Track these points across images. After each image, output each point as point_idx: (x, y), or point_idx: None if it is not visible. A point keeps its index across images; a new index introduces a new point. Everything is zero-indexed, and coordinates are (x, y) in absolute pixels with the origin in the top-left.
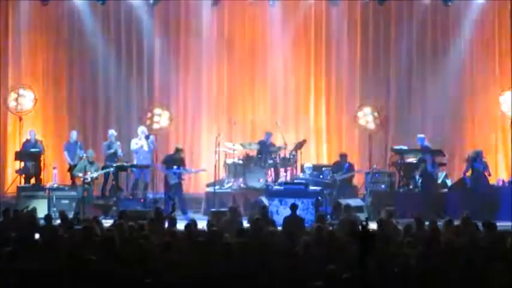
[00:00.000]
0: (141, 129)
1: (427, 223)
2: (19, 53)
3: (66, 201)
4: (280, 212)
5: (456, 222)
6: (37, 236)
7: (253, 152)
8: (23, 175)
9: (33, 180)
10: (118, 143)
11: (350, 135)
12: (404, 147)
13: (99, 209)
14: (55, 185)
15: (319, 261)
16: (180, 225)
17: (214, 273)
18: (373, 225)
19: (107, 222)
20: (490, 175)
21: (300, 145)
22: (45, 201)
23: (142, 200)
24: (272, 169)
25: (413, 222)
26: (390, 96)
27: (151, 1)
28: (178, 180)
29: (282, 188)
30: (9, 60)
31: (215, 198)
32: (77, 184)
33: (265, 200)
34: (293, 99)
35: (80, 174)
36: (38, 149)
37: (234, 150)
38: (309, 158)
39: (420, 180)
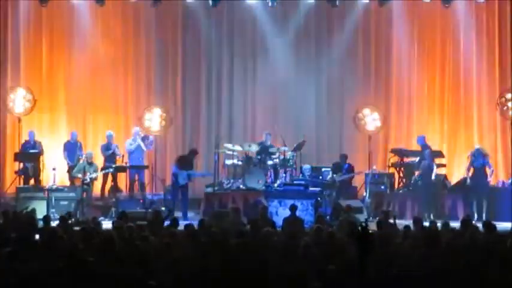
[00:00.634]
0: (136, 130)
1: (426, 224)
2: (18, 53)
3: (65, 202)
4: (279, 213)
5: (456, 223)
6: (37, 236)
7: (253, 153)
8: (22, 176)
9: (32, 181)
10: (116, 143)
11: (349, 136)
12: (404, 148)
13: (98, 210)
14: (54, 186)
15: (318, 262)
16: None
17: (214, 274)
18: (373, 226)
19: (106, 223)
20: (492, 171)
21: (299, 146)
22: (44, 202)
23: (141, 201)
24: (271, 170)
25: (412, 223)
26: (390, 97)
27: (150, 1)
28: (187, 181)
29: (281, 189)
30: (8, 60)
31: (215, 199)
32: (76, 185)
33: (264, 201)
34: (293, 100)
35: (79, 175)
36: (37, 150)
37: (233, 151)
38: (308, 159)
39: (420, 181)
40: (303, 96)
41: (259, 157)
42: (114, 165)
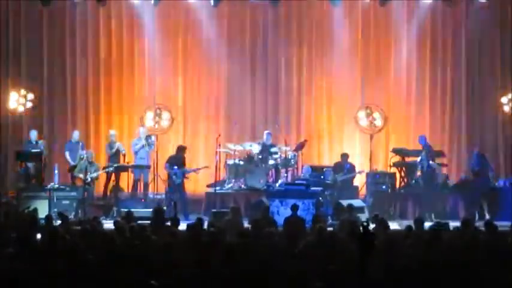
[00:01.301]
0: (142, 130)
1: (427, 224)
2: (20, 53)
3: (67, 202)
4: (281, 212)
5: (457, 223)
6: (38, 236)
7: (254, 153)
8: (24, 175)
9: (34, 181)
10: (119, 142)
11: (351, 136)
12: (405, 148)
13: (100, 210)
14: (56, 186)
15: (320, 261)
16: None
17: (216, 274)
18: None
19: (108, 223)
20: (493, 174)
21: (301, 145)
22: (46, 201)
23: (143, 200)
24: (273, 170)
25: (414, 223)
26: (391, 96)
27: (152, 1)
28: (181, 179)
29: (282, 188)
30: (10, 60)
31: (216, 198)
32: (78, 184)
33: (265, 201)
34: (294, 100)
35: (81, 175)
36: (38, 150)
37: (234, 151)
38: (309, 159)
39: (421, 181)
40: (304, 95)
41: (260, 157)
42: (115, 165)
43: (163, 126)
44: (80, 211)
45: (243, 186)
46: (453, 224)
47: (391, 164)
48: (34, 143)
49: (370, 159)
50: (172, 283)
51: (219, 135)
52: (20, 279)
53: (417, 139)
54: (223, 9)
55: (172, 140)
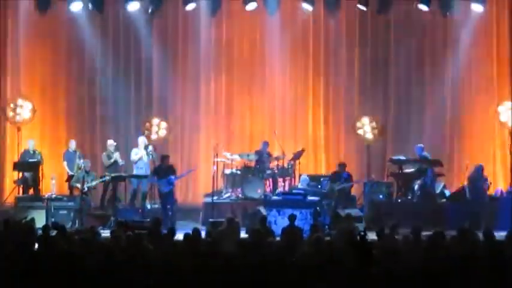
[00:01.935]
0: (142, 140)
1: (424, 234)
2: (17, 63)
3: (64, 212)
4: (278, 222)
5: (454, 233)
6: (36, 246)
7: (252, 162)
8: (21, 185)
9: (31, 191)
10: (117, 152)
11: (348, 145)
12: (402, 158)
13: (97, 219)
14: (53, 195)
15: (317, 271)
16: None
17: (213, 283)
18: (371, 235)
19: (105, 233)
20: (491, 183)
21: (298, 155)
22: (44, 211)
23: (140, 211)
24: (270, 179)
25: (411, 233)
26: (388, 106)
27: (150, 10)
28: (169, 188)
29: (280, 198)
30: (7, 70)
31: (213, 208)
32: (75, 194)
33: (263, 210)
34: (291, 109)
35: (78, 185)
36: (36, 159)
37: (232, 161)
38: (307, 168)
39: (419, 191)
40: (301, 105)
41: (257, 166)
42: (112, 174)
43: (162, 136)
44: (77, 221)
45: (240, 195)
46: (450, 233)
47: (389, 174)
48: (31, 152)
49: (368, 169)
50: None
51: (217, 145)
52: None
53: (415, 149)
54: (221, 18)
55: (170, 149)
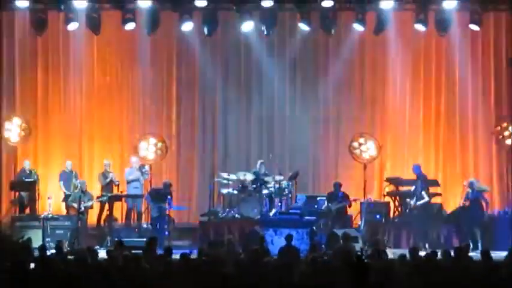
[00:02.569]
0: (135, 160)
1: (422, 253)
2: (13, 82)
3: (61, 231)
4: (275, 241)
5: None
6: (32, 265)
7: (248, 182)
8: (18, 205)
9: (27, 210)
10: (113, 173)
11: (345, 165)
12: (399, 177)
13: (94, 239)
14: (50, 215)
15: None
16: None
17: None
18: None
19: (102, 253)
20: (487, 203)
21: (294, 176)
22: (40, 231)
23: (136, 230)
24: (267, 199)
25: (409, 253)
26: (386, 125)
27: (145, 30)
28: (159, 214)
29: (276, 217)
30: (3, 89)
31: (210, 228)
32: (72, 214)
33: (259, 230)
34: (288, 129)
35: (74, 204)
36: (32, 179)
37: (228, 180)
38: (304, 188)
39: (415, 211)
40: (299, 124)
41: (254, 186)
42: (109, 194)
43: (157, 155)
44: (74, 241)
45: (237, 215)
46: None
47: (385, 193)
48: (28, 172)
49: (364, 188)
50: None
51: (214, 165)
52: None
53: (411, 168)
54: (217, 37)
55: (166, 169)
